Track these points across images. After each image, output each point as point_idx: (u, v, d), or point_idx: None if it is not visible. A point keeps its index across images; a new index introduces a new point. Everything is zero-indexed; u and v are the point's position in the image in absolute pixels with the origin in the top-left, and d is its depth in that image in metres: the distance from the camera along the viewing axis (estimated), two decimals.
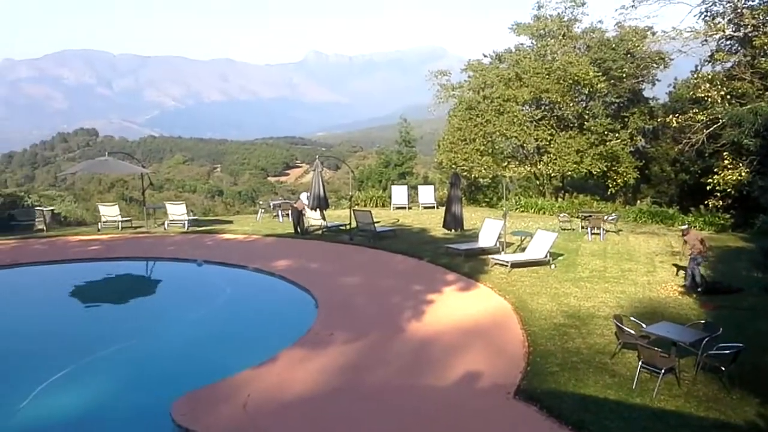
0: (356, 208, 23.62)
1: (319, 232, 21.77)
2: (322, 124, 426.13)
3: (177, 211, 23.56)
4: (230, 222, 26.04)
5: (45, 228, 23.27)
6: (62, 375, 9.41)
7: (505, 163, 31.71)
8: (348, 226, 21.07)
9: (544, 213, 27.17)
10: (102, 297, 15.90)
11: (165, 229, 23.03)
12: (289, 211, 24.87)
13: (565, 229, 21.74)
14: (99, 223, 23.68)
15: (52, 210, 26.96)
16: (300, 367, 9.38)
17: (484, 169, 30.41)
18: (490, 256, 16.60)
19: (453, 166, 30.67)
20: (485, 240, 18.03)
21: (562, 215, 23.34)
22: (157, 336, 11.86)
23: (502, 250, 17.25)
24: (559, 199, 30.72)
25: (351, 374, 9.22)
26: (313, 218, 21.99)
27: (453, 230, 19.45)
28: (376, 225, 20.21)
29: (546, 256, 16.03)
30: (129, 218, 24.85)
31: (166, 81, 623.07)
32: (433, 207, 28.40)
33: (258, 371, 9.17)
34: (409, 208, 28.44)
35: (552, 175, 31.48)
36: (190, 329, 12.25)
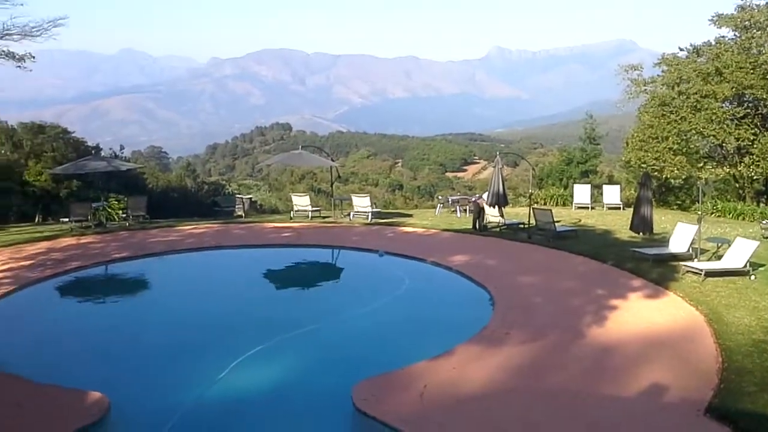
0: (536, 206, 23.20)
1: (497, 229, 21.65)
2: (502, 120, 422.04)
3: (362, 203, 24.59)
4: (410, 215, 26.68)
5: (243, 214, 25.41)
6: (255, 352, 10.20)
7: (701, 164, 29.43)
8: (527, 225, 20.76)
9: (743, 219, 24.84)
10: (292, 281, 17.12)
11: (350, 219, 24.15)
12: (467, 207, 25.09)
13: None
14: (291, 212, 25.44)
15: (250, 198, 29.41)
16: (476, 364, 9.43)
17: (677, 169, 28.44)
18: (681, 263, 15.52)
19: (642, 165, 29.03)
20: (676, 245, 16.89)
21: (764, 222, 21.23)
22: (340, 321, 12.50)
23: (696, 257, 16.07)
24: (761, 205, 27.97)
25: (527, 375, 9.12)
26: (491, 215, 21.92)
27: (641, 233, 18.49)
28: (556, 224, 19.70)
29: (745, 266, 14.68)
30: (318, 208, 26.34)
31: (354, 78, 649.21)
32: (619, 208, 27.14)
33: (434, 363, 9.35)
34: (592, 208, 27.42)
35: (754, 178, 28.73)
36: (370, 317, 12.77)
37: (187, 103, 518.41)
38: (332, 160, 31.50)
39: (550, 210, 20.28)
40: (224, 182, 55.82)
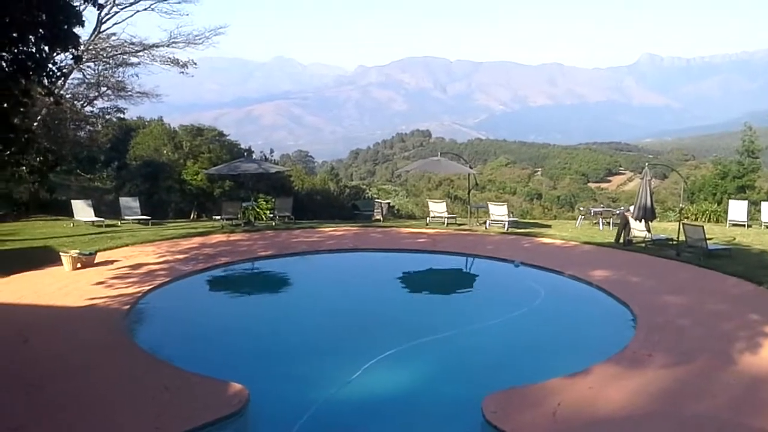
0: (686, 221, 21.86)
1: (642, 244, 20.60)
2: (651, 130, 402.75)
3: (498, 211, 24.29)
4: (548, 226, 26.01)
5: (382, 218, 25.95)
6: (388, 355, 10.31)
7: None
8: (675, 241, 19.60)
9: None
10: (425, 287, 17.20)
11: (486, 228, 23.93)
12: (610, 219, 24.12)
13: None
14: (427, 218, 25.61)
15: (388, 203, 30.03)
16: (614, 385, 9.00)
17: None
18: None
19: None
20: None
21: None
22: (472, 330, 12.36)
23: None
24: None
25: (669, 400, 8.58)
26: (637, 229, 20.89)
27: None
28: (707, 242, 18.43)
29: None
30: (453, 215, 26.34)
31: (496, 86, 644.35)
32: None
33: (569, 381, 9.02)
34: (749, 226, 25.39)
35: None
36: (503, 328, 12.55)
37: (333, 110, 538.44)
38: (470, 168, 31.36)
39: (702, 226, 19.00)
40: (364, 186, 57.28)
